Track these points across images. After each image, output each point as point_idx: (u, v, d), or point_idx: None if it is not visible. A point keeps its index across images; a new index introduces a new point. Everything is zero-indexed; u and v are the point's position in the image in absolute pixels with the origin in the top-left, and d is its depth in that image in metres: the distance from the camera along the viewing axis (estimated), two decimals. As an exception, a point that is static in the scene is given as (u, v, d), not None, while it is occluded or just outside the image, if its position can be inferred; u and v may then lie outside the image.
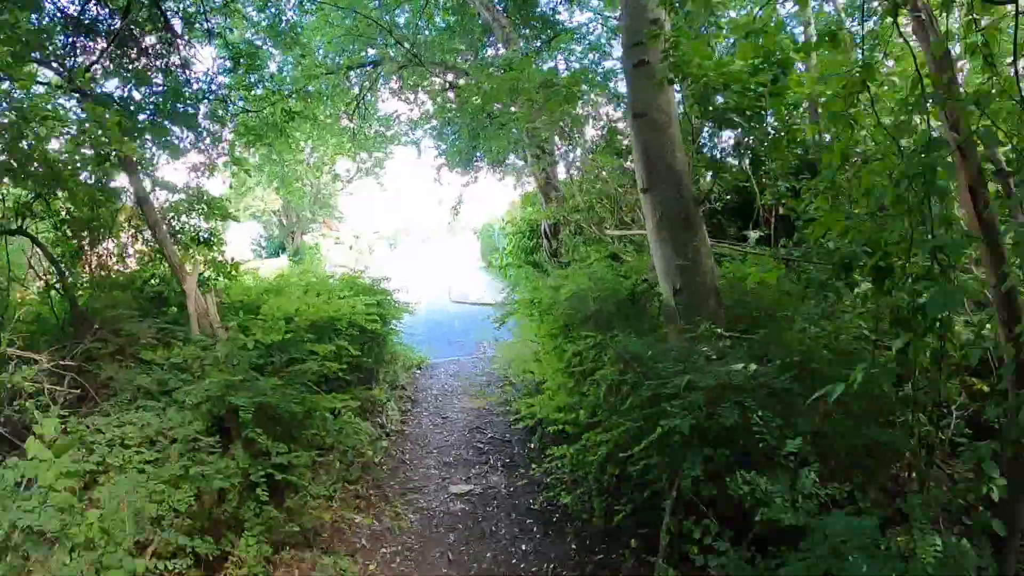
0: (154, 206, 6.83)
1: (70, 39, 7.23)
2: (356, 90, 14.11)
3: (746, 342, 4.75)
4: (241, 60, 8.52)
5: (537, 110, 8.16)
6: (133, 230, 8.10)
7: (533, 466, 6.14)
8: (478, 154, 13.68)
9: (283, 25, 9.51)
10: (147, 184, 7.00)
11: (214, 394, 4.68)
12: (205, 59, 15.81)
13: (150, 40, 7.95)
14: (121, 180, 7.22)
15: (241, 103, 8.97)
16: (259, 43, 9.32)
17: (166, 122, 7.37)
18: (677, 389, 4.01)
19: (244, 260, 29.10)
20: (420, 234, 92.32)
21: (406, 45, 9.53)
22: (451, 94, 11.07)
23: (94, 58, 7.50)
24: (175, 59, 7.95)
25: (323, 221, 46.52)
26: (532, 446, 6.82)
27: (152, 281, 7.37)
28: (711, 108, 5.21)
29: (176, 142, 7.75)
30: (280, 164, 14.71)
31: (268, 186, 15.46)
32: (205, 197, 7.73)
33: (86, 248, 7.13)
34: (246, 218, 35.80)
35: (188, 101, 7.46)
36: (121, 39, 7.67)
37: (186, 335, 6.11)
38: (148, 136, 7.13)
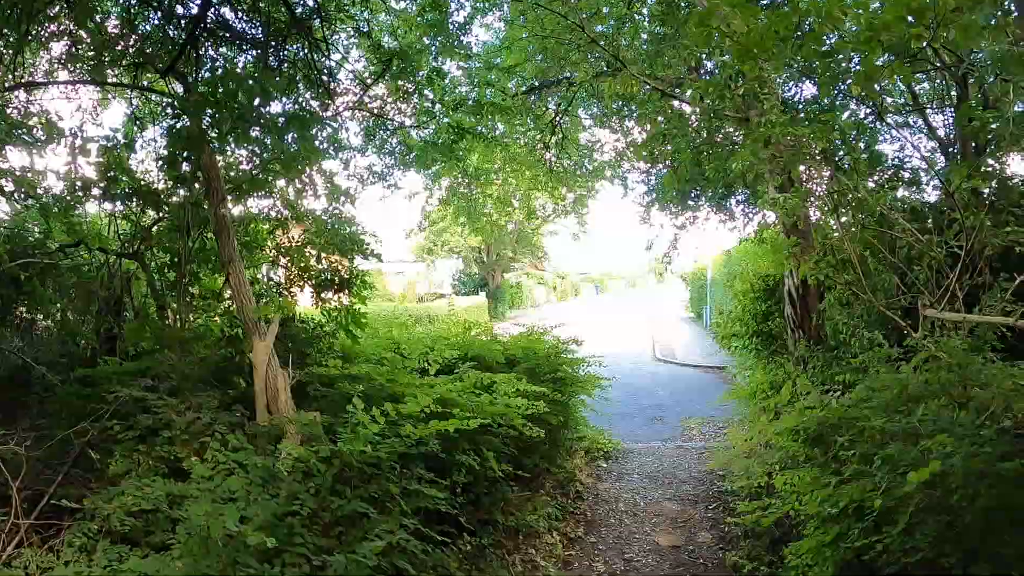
0: (231, 233, 5.16)
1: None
2: (551, 112, 12.24)
3: None
4: (393, 63, 6.85)
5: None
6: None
7: None
8: (695, 190, 11.18)
9: (452, 26, 7.81)
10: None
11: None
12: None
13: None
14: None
15: (399, 118, 7.35)
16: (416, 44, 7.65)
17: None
18: None
19: (444, 294, 28.56)
20: (626, 278, 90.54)
21: (603, 46, 7.32)
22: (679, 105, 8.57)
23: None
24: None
25: (529, 263, 46.05)
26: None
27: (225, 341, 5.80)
28: None
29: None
30: (468, 200, 13.28)
31: (456, 222, 13.94)
32: (337, 226, 6.08)
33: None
34: (444, 255, 35.82)
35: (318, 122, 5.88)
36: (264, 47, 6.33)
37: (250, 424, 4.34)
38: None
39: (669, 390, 14.08)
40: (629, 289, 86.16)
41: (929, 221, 5.77)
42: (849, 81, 8.76)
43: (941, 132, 7.79)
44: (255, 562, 2.92)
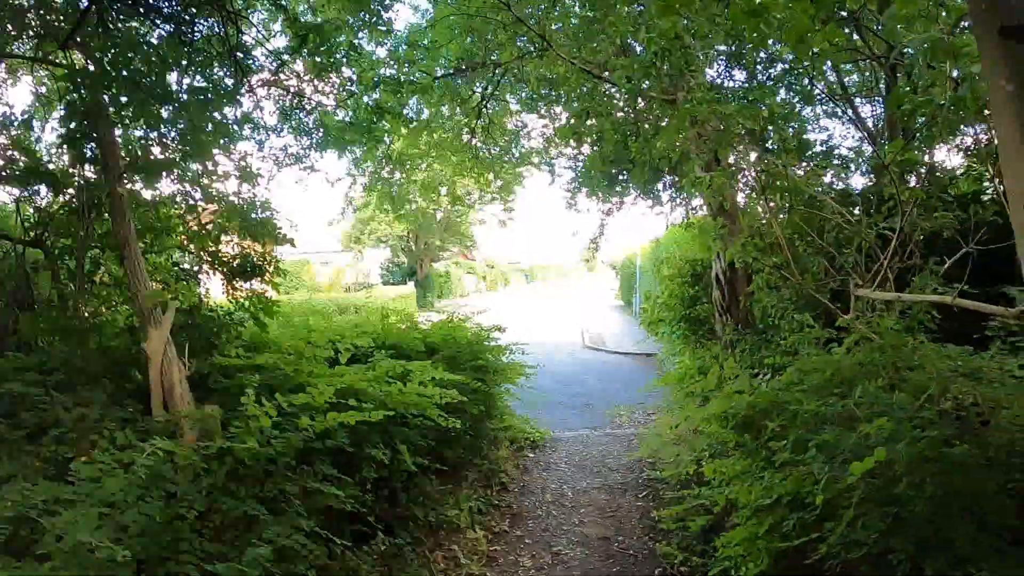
0: (127, 213, 4.65)
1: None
2: (477, 96, 11.86)
3: None
4: (309, 38, 6.35)
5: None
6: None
7: None
8: (622, 173, 11.02)
9: (373, 2, 7.30)
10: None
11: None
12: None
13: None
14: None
15: (318, 97, 6.86)
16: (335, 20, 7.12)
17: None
18: None
19: (371, 284, 27.81)
20: (557, 268, 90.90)
21: (531, 27, 7.00)
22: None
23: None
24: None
25: (458, 251, 45.57)
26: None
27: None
28: None
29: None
30: (392, 186, 12.77)
31: (380, 208, 13.42)
32: (249, 210, 5.62)
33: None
34: (371, 244, 35.03)
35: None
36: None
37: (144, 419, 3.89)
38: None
39: (598, 377, 14.00)
40: (560, 278, 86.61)
41: (858, 208, 5.72)
42: (779, 67, 8.78)
43: (870, 123, 7.83)
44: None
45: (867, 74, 8.16)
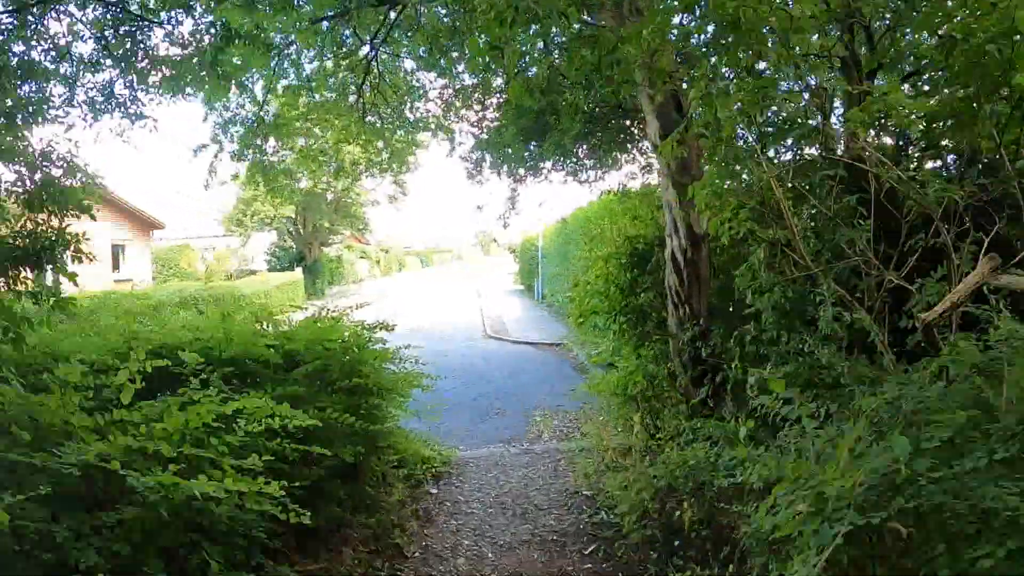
0: None
1: None
2: (367, 49, 9.86)
3: None
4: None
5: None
6: None
7: None
8: (537, 141, 9.34)
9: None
10: None
11: None
12: None
13: None
14: None
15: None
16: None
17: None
18: None
19: (255, 270, 25.09)
20: (453, 252, 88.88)
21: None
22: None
23: None
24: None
25: (350, 234, 42.77)
26: None
27: None
28: None
29: None
30: (259, 151, 10.55)
31: (250, 182, 11.15)
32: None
33: None
34: (255, 226, 32.00)
35: None
36: None
37: None
38: None
39: (506, 373, 12.37)
40: (456, 262, 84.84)
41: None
42: None
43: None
44: None
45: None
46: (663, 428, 5.53)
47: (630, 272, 6.32)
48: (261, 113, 10.91)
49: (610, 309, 6.32)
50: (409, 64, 11.44)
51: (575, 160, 9.34)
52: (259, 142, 11.35)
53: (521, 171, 9.80)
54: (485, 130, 10.59)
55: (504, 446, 7.58)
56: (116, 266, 26.32)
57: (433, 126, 11.88)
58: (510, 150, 9.05)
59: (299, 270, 30.44)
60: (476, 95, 10.32)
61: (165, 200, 36.35)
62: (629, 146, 9.36)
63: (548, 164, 9.88)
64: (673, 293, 5.47)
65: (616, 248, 6.42)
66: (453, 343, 16.12)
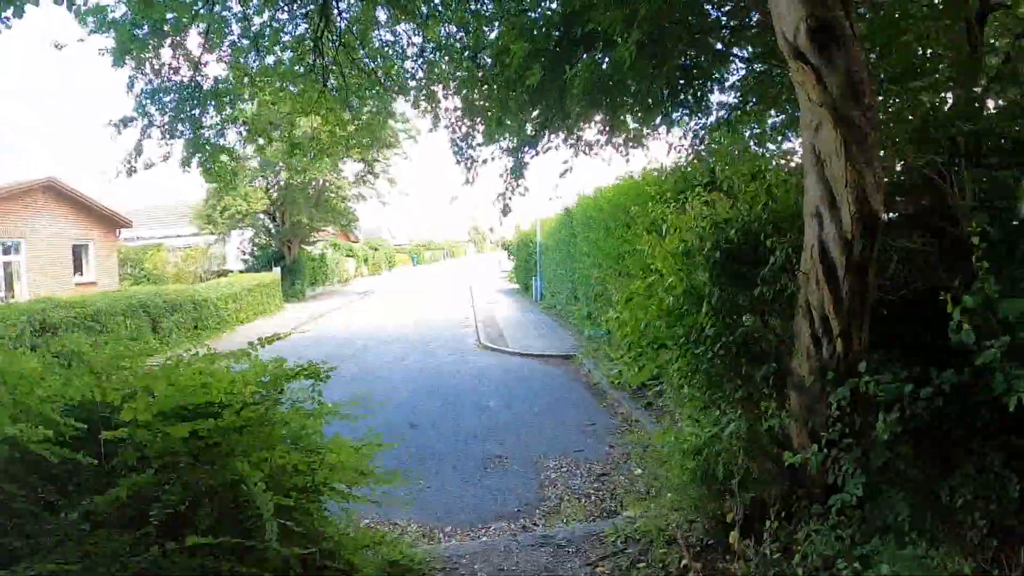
0: None
1: None
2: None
3: None
4: None
5: None
6: None
7: None
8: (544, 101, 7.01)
9: None
10: None
11: None
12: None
13: None
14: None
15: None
16: None
17: None
18: None
19: (229, 271, 22.52)
20: (445, 248, 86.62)
21: None
22: None
23: None
24: None
25: (336, 231, 40.34)
26: None
27: None
28: None
29: None
30: (194, 122, 8.28)
31: (184, 163, 8.86)
32: None
33: None
34: (225, 222, 29.43)
35: None
36: None
37: None
38: None
39: (505, 399, 10.04)
40: (448, 259, 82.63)
41: None
42: None
43: None
44: None
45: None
46: (796, 543, 3.25)
47: (721, 278, 3.96)
48: (197, 77, 8.75)
49: (683, 340, 3.99)
50: (382, 15, 9.14)
51: (612, 108, 6.58)
52: (195, 112, 9.07)
53: (529, 128, 7.37)
54: (476, 93, 8.24)
55: (509, 530, 5.33)
56: (78, 268, 23.96)
57: (412, 94, 9.55)
58: (511, 102, 6.64)
59: (277, 270, 27.99)
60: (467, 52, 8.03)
61: (136, 195, 34.01)
62: (711, 84, 6.71)
63: (559, 136, 7.48)
64: (818, 316, 3.11)
65: (699, 238, 4.04)
66: (439, 357, 13.86)
